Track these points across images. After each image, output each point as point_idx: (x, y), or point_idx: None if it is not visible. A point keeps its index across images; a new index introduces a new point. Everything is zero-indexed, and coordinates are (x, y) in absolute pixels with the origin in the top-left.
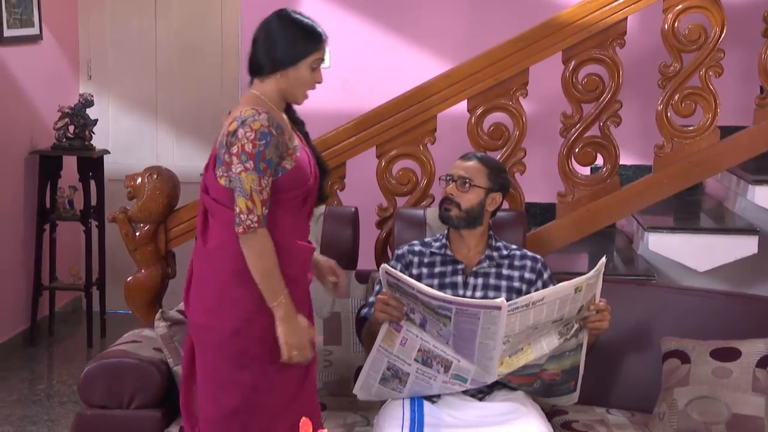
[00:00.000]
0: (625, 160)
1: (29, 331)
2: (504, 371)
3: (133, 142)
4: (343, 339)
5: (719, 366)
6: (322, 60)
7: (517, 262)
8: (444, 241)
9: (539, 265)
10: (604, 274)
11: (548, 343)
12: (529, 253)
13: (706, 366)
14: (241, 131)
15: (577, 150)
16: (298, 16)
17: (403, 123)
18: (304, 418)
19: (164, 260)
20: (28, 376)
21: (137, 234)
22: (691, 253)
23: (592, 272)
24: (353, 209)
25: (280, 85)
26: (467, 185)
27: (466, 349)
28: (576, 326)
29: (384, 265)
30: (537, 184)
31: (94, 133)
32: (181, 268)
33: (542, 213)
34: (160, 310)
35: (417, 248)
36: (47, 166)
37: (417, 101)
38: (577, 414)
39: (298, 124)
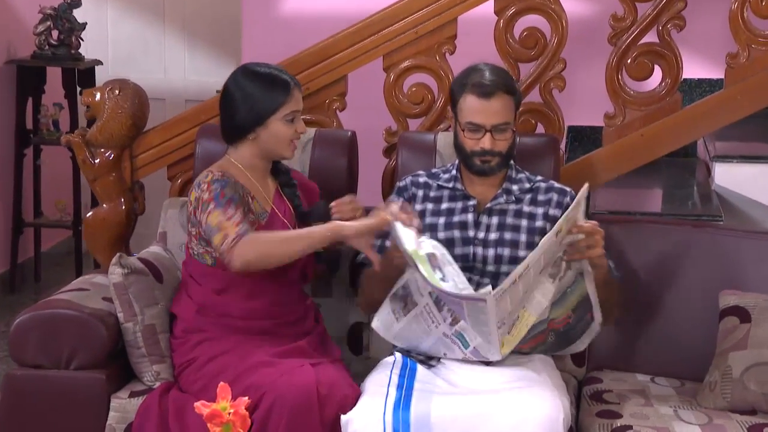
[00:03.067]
0: (690, 72)
1: (9, 275)
2: (508, 351)
3: (136, 52)
4: (334, 290)
5: None
6: (296, 111)
7: (541, 197)
8: (455, 172)
9: (567, 198)
10: (669, 214)
11: (544, 294)
12: (557, 185)
13: None
14: (196, 192)
15: (629, 61)
16: (257, 69)
17: (415, 28)
18: (222, 383)
19: (130, 192)
20: (3, 328)
21: (97, 161)
22: (766, 187)
23: (569, 209)
24: (349, 133)
25: (256, 148)
26: (507, 131)
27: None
28: (564, 260)
29: (391, 202)
30: (580, 103)
31: (82, 40)
32: (150, 203)
33: (587, 139)
34: (117, 254)
35: (422, 179)
36: (27, 78)
37: (433, 1)
38: (614, 383)
39: (281, 173)
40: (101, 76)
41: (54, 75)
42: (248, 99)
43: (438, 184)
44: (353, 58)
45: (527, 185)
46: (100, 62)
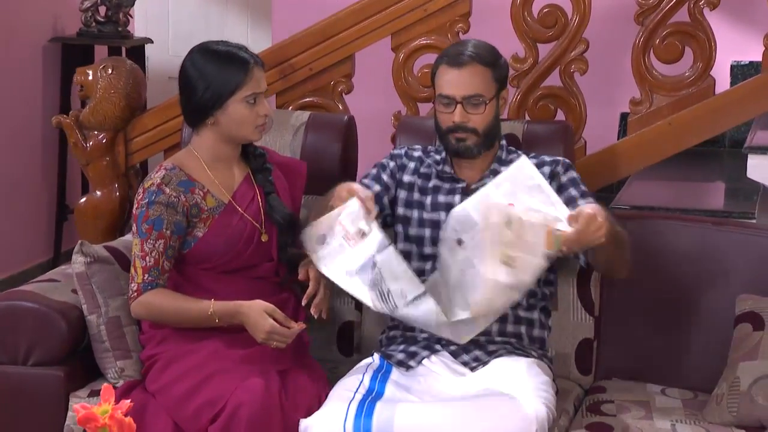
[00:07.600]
0: (725, 55)
1: (51, 265)
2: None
3: (197, 29)
4: None
5: None
6: (257, 93)
7: None
8: (444, 155)
9: (559, 166)
10: (697, 210)
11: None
12: (548, 158)
13: None
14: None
15: (657, 41)
16: (214, 47)
17: (425, 4)
18: (105, 384)
19: (125, 178)
20: None
21: (89, 144)
22: None
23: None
24: (346, 117)
25: (217, 132)
26: (481, 105)
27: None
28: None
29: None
30: (606, 88)
31: (131, 17)
32: None
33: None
34: (79, 242)
35: (416, 153)
36: (72, 57)
37: None
38: (618, 393)
39: (255, 157)
40: (159, 54)
41: (101, 53)
42: (205, 79)
43: (428, 163)
44: (359, 36)
45: None
46: (150, 40)
